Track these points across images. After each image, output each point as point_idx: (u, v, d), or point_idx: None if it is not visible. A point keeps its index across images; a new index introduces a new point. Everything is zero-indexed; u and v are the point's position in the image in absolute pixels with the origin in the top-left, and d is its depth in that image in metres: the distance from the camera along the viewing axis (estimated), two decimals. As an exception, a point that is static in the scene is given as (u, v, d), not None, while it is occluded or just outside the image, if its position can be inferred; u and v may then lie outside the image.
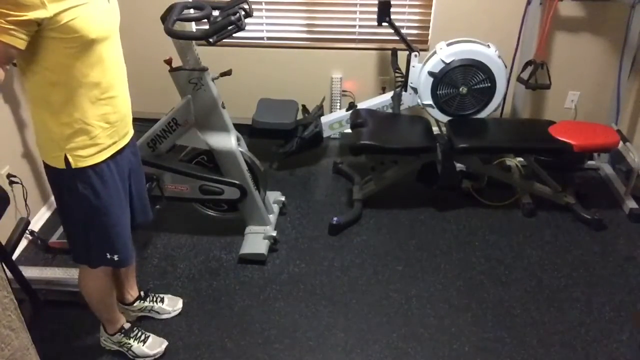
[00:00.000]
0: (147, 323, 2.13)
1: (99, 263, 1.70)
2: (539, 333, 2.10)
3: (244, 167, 2.39)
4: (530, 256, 2.49)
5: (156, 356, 1.98)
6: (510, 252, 2.52)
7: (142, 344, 1.97)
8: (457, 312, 2.19)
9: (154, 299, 2.16)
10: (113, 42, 1.48)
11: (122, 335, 1.96)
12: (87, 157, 1.50)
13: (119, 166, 1.63)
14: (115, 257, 1.68)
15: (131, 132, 1.69)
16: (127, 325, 1.98)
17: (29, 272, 2.14)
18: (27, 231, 2.26)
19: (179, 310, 2.18)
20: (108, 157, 1.56)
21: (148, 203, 1.88)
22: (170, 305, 2.18)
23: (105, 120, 1.51)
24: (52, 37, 1.30)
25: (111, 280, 1.85)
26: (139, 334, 1.99)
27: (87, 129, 1.48)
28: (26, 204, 2.52)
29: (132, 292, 2.11)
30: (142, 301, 2.13)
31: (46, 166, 1.54)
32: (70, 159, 1.48)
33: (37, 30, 1.28)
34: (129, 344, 1.96)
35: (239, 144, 2.38)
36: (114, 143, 1.57)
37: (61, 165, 1.49)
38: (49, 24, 1.27)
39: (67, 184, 1.53)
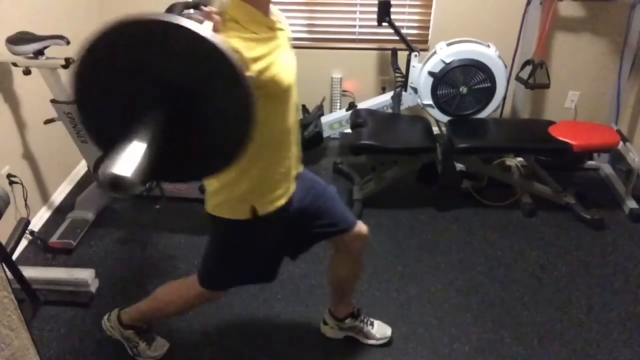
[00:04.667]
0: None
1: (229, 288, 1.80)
2: (539, 333, 2.10)
3: (244, 167, 2.39)
4: (530, 256, 2.49)
5: (156, 358, 1.97)
6: (510, 252, 2.52)
7: (147, 345, 1.95)
8: (457, 312, 2.19)
9: (365, 320, 2.05)
10: (295, 86, 1.48)
11: (135, 333, 1.93)
12: (270, 202, 1.49)
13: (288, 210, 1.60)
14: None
15: (300, 169, 1.68)
16: (145, 327, 1.95)
17: (29, 272, 2.14)
18: (27, 231, 2.26)
19: (387, 340, 2.05)
20: (287, 201, 1.55)
21: (345, 208, 1.77)
22: (380, 332, 2.05)
23: (286, 166, 1.51)
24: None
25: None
26: (149, 335, 1.96)
27: (274, 177, 1.48)
28: (26, 204, 2.52)
29: (346, 307, 2.02)
30: (353, 319, 2.02)
31: (217, 219, 1.51)
32: (258, 208, 1.47)
33: None
34: (137, 342, 1.93)
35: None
36: (289, 187, 1.56)
37: (245, 216, 1.47)
38: (253, 83, 1.24)
39: (238, 233, 1.52)
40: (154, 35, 0.94)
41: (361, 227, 1.76)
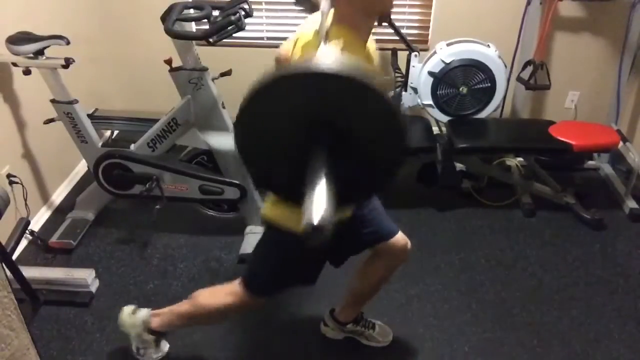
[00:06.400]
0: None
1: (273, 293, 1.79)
2: (539, 333, 2.09)
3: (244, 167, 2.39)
4: (530, 256, 2.49)
5: (158, 359, 1.96)
6: (510, 252, 2.52)
7: (154, 348, 1.93)
8: (457, 312, 2.19)
9: (367, 324, 2.05)
10: None
11: (154, 340, 1.90)
12: None
13: None
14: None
15: None
16: (165, 334, 1.94)
17: (29, 272, 2.14)
18: (27, 231, 2.26)
19: (389, 342, 2.06)
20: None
21: (388, 218, 1.78)
22: (381, 334, 2.06)
23: None
24: None
25: None
26: (160, 339, 1.95)
27: None
28: (26, 204, 2.52)
29: (353, 312, 2.03)
30: (355, 324, 2.03)
31: (274, 227, 1.55)
32: None
33: None
34: (150, 345, 1.91)
35: (239, 144, 2.38)
36: None
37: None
38: None
39: (293, 243, 1.47)
40: (309, 83, 1.04)
41: (401, 238, 1.76)
